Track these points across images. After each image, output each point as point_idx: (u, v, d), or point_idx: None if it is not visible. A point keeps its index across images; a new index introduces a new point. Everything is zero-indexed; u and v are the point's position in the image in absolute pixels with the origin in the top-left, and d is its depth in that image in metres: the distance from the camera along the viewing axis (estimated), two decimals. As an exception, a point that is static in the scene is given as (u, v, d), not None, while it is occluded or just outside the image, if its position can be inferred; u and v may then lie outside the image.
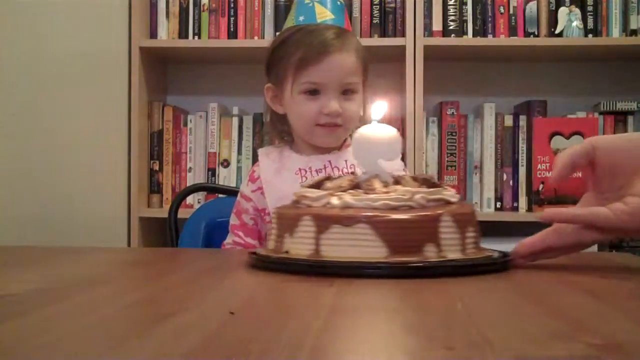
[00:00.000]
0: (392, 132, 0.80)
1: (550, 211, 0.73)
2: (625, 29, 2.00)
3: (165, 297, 0.60)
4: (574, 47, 2.01)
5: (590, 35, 2.00)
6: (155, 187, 2.09)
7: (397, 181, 0.79)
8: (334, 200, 0.73)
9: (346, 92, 1.22)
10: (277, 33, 1.31)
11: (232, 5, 2.07)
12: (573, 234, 0.72)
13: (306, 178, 1.22)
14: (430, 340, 0.42)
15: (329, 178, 0.82)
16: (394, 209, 0.71)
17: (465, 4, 2.03)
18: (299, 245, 0.73)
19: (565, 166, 0.73)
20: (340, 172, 1.23)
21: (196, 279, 0.68)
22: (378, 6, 2.05)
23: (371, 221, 0.70)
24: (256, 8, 2.07)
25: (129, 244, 2.00)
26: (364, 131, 0.80)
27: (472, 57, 2.15)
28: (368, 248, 0.69)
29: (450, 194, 0.76)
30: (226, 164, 2.09)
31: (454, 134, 2.03)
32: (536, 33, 2.03)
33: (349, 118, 1.22)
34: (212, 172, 2.09)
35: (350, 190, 0.76)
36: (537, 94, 2.11)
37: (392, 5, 2.04)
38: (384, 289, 0.64)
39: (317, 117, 1.21)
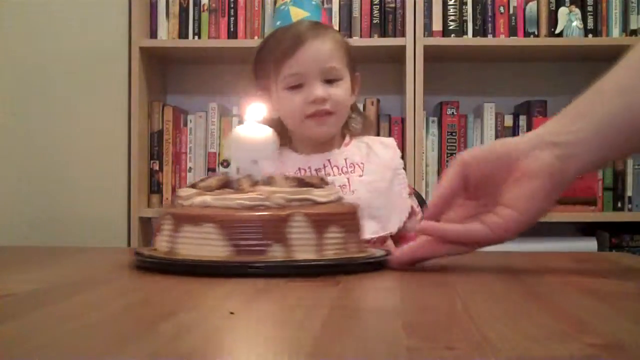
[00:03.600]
0: (267, 132, 0.81)
1: (427, 225, 0.73)
2: (625, 29, 2.00)
3: (165, 297, 0.60)
4: (574, 47, 2.01)
5: (590, 35, 2.00)
6: (155, 187, 2.09)
7: (269, 181, 0.78)
8: (196, 200, 0.74)
9: (330, 79, 1.21)
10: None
11: (232, 5, 2.07)
12: (447, 246, 0.73)
13: (305, 177, 1.22)
14: (430, 340, 0.42)
15: (205, 178, 0.82)
16: (250, 208, 0.71)
17: (465, 4, 2.03)
18: (163, 243, 0.75)
19: (444, 198, 0.73)
20: (340, 171, 1.22)
21: (196, 279, 0.68)
22: (378, 6, 2.05)
23: (216, 220, 0.70)
24: (256, 8, 2.07)
25: (129, 244, 2.00)
26: (239, 131, 0.81)
27: (472, 57, 2.15)
28: (214, 247, 0.70)
29: (322, 194, 0.75)
30: (226, 164, 2.09)
31: (454, 134, 2.03)
32: (536, 33, 2.03)
33: (336, 103, 1.21)
34: (212, 172, 2.09)
35: (218, 190, 0.76)
36: (537, 94, 2.11)
37: (392, 5, 2.04)
38: (385, 289, 0.64)
39: (304, 108, 1.21)
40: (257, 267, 0.69)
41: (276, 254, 0.70)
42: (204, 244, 0.71)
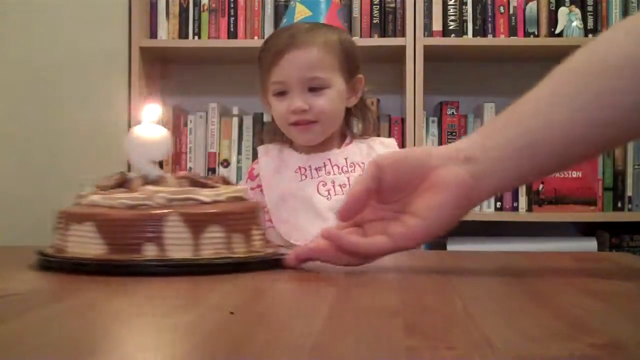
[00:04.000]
0: (161, 133, 0.82)
1: (329, 231, 0.71)
2: (625, 29, 2.00)
3: (165, 296, 0.60)
4: (574, 47, 2.00)
5: (590, 35, 2.00)
6: (155, 187, 2.09)
7: (159, 181, 0.79)
8: (88, 199, 0.77)
9: (314, 88, 1.21)
10: None
11: (232, 5, 2.07)
12: (345, 257, 0.71)
13: (306, 176, 1.22)
14: (430, 340, 0.42)
15: (109, 177, 0.84)
16: (131, 207, 0.73)
17: (465, 4, 2.03)
18: (57, 242, 0.77)
19: (356, 201, 0.71)
20: (340, 170, 1.22)
21: (196, 279, 0.68)
22: (378, 6, 2.05)
23: (95, 219, 0.73)
24: (256, 8, 2.07)
25: (129, 244, 2.00)
26: (135, 132, 0.83)
27: (472, 57, 2.15)
28: (92, 245, 0.72)
29: (210, 194, 0.75)
30: (226, 164, 2.09)
31: (454, 134, 2.03)
32: (536, 33, 2.03)
33: (319, 113, 1.21)
34: (212, 172, 2.09)
35: (112, 189, 0.78)
36: (537, 94, 2.11)
37: (392, 5, 2.04)
38: (385, 289, 0.64)
39: (287, 117, 1.22)
40: (123, 265, 0.70)
41: (149, 252, 0.71)
42: (85, 242, 0.73)
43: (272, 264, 0.74)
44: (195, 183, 0.78)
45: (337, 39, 1.24)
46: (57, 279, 0.70)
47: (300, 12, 1.25)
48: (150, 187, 0.75)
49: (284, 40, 1.21)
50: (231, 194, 0.77)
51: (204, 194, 0.75)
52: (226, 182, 0.82)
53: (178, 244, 0.71)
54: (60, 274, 0.71)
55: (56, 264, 0.73)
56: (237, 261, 0.73)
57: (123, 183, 0.79)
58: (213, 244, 0.73)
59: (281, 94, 1.22)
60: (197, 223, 0.72)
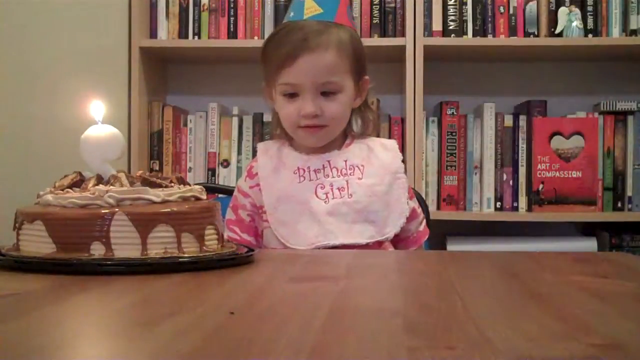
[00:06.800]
0: (113, 132, 0.83)
1: None
2: (625, 29, 1.99)
3: (165, 296, 0.60)
4: (574, 47, 2.01)
5: (590, 35, 2.00)
6: (155, 187, 2.09)
7: (112, 180, 0.79)
8: (42, 198, 0.78)
9: (326, 92, 1.18)
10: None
11: (232, 5, 2.07)
12: None
13: (304, 178, 1.21)
14: (430, 340, 0.42)
15: (65, 177, 0.84)
16: (82, 207, 0.73)
17: (465, 4, 2.03)
18: (15, 240, 0.78)
19: None
20: (339, 173, 1.21)
21: (196, 279, 0.68)
22: (378, 6, 2.05)
23: (44, 218, 0.74)
24: (256, 8, 2.07)
25: (129, 244, 1.99)
26: (88, 132, 0.84)
27: (472, 57, 2.15)
28: (42, 244, 0.74)
29: (161, 193, 0.75)
30: (226, 164, 2.09)
31: (454, 134, 2.03)
32: (536, 33, 2.03)
33: (330, 118, 1.19)
34: (212, 172, 2.09)
35: (69, 189, 0.78)
36: (537, 94, 2.11)
37: (392, 5, 2.04)
38: (385, 289, 0.64)
39: (297, 120, 1.19)
40: (68, 264, 0.71)
41: (96, 252, 0.71)
42: (35, 241, 0.74)
43: (224, 263, 0.74)
44: (148, 183, 0.78)
45: (349, 40, 1.22)
46: (54, 279, 0.70)
47: (310, 8, 1.20)
48: (101, 187, 0.76)
49: (296, 42, 1.17)
50: (184, 194, 0.77)
51: (155, 194, 0.75)
52: (182, 181, 0.82)
53: (125, 243, 0.72)
54: (59, 274, 0.71)
55: (5, 262, 0.73)
56: (185, 260, 0.73)
57: (78, 183, 0.80)
58: (161, 243, 0.73)
59: (291, 95, 1.20)
60: (144, 222, 0.72)
